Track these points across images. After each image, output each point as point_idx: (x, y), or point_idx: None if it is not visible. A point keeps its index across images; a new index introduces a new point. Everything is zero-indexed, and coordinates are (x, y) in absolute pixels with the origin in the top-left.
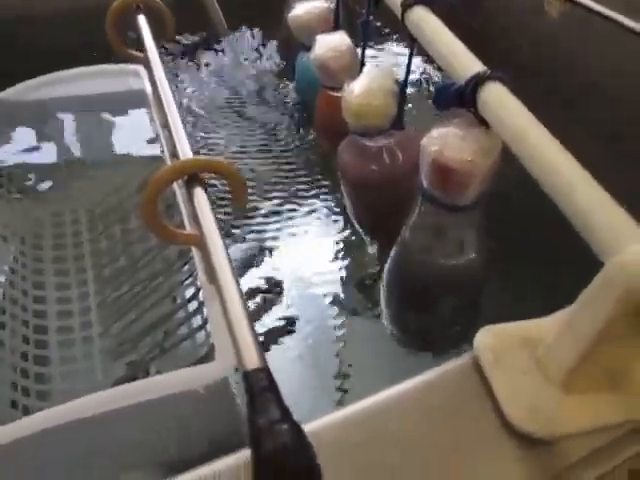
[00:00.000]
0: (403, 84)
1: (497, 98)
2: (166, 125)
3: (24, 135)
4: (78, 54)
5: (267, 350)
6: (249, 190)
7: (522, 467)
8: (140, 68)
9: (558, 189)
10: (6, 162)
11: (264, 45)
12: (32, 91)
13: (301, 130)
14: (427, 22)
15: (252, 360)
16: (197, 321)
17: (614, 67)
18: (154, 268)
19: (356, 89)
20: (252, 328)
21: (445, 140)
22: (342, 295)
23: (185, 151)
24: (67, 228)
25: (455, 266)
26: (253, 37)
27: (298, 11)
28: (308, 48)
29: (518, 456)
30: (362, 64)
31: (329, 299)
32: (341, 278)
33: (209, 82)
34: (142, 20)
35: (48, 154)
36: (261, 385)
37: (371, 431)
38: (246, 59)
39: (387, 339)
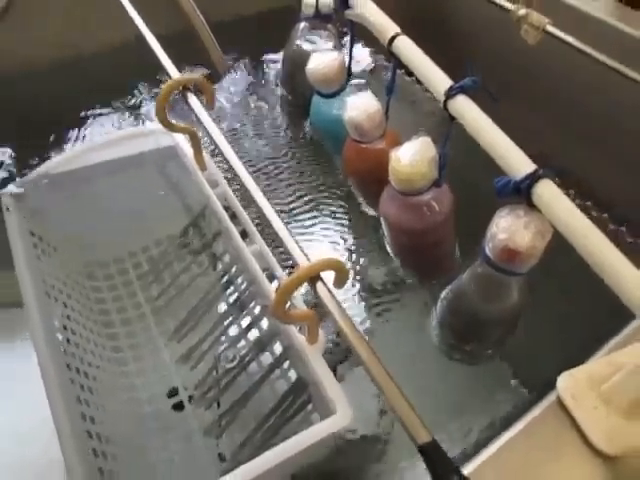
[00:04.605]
0: (443, 154)
1: (549, 193)
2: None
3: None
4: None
5: None
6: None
7: (603, 475)
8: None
9: (600, 265)
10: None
11: (263, 78)
12: (74, 160)
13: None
14: (471, 113)
15: (422, 435)
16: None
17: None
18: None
19: (403, 159)
20: (409, 403)
21: (512, 229)
22: None
23: (297, 254)
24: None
25: (503, 308)
26: (253, 71)
27: (316, 64)
28: (323, 95)
29: (601, 468)
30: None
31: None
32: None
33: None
34: (193, 100)
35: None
36: (437, 457)
37: (506, 465)
38: (250, 94)
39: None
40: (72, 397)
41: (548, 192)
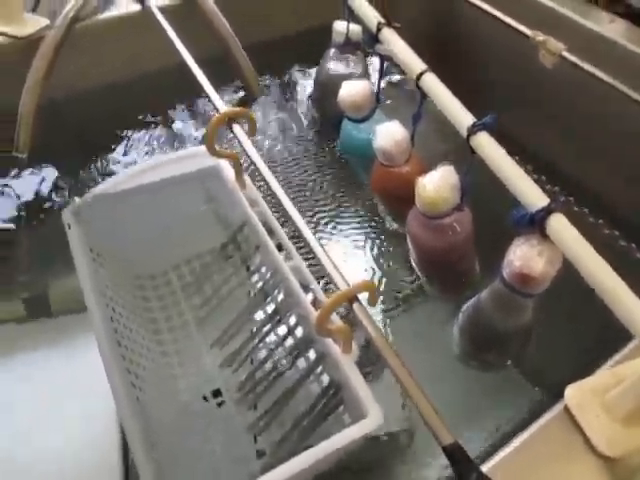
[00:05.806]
0: (465, 181)
1: (561, 226)
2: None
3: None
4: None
5: None
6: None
7: (604, 475)
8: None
9: (603, 290)
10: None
11: (295, 99)
12: (127, 180)
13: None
14: (491, 148)
15: (445, 437)
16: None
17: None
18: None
19: (428, 185)
20: (434, 408)
21: (527, 257)
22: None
23: (335, 274)
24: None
25: (518, 324)
26: (285, 92)
27: (347, 92)
28: (352, 119)
29: (602, 468)
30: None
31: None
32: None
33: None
34: (238, 129)
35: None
36: (459, 456)
37: (517, 466)
38: (282, 114)
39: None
40: (133, 397)
41: (560, 225)
